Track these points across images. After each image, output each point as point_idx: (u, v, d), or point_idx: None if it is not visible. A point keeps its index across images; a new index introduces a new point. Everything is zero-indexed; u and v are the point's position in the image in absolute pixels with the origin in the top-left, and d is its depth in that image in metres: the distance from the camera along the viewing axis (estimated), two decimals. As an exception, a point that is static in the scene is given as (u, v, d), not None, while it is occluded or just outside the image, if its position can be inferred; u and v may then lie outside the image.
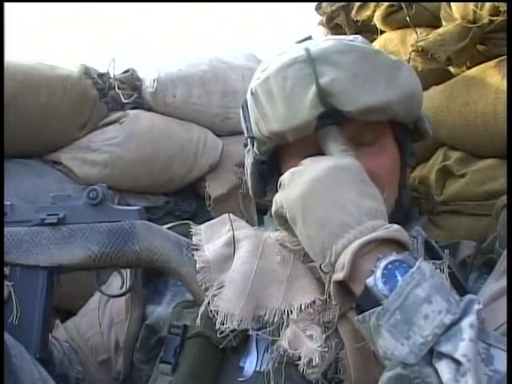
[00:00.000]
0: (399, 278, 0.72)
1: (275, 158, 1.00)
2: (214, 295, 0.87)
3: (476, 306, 0.71)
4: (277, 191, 0.94)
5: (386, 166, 0.97)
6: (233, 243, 0.92)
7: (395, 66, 0.96)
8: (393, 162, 0.99)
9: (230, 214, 0.94)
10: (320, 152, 0.94)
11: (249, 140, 1.00)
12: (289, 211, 0.84)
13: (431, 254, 0.93)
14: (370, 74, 0.93)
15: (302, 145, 0.95)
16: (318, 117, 0.91)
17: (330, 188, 0.82)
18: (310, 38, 1.03)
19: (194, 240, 0.95)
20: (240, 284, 0.87)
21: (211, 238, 0.95)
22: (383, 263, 0.74)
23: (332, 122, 0.93)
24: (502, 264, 0.87)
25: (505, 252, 0.87)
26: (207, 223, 0.97)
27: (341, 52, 0.94)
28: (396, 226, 0.79)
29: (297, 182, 0.85)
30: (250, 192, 1.08)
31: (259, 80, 0.97)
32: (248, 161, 1.04)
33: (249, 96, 0.99)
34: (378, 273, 0.74)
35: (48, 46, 2.56)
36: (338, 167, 0.84)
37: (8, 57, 1.37)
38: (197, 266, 0.90)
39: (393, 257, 0.75)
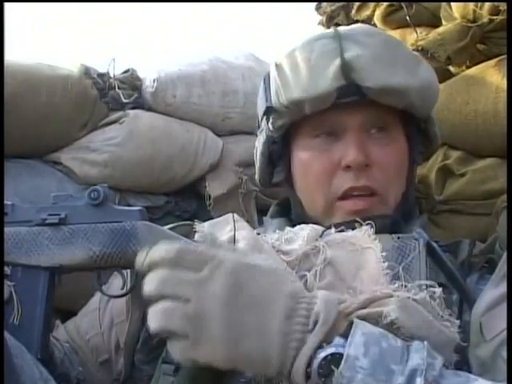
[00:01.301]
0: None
1: (287, 138, 1.03)
2: None
3: (418, 380, 0.68)
4: (284, 174, 1.03)
5: (394, 157, 1.00)
6: (233, 244, 0.90)
7: (416, 60, 1.02)
8: (401, 155, 1.01)
9: (235, 215, 0.93)
10: (331, 130, 0.98)
11: (264, 118, 1.03)
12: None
13: (433, 256, 0.93)
14: (392, 58, 0.97)
15: (314, 124, 0.99)
16: (338, 90, 0.94)
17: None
18: None
19: (196, 237, 0.94)
20: None
21: None
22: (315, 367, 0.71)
23: (349, 100, 0.96)
24: (501, 269, 0.85)
25: (504, 256, 0.86)
26: (211, 221, 0.96)
27: (367, 34, 0.99)
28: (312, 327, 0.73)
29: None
30: (257, 175, 1.11)
31: (284, 54, 1.02)
32: (259, 141, 1.07)
33: (272, 68, 1.03)
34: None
35: (48, 46, 2.56)
36: (227, 297, 0.73)
37: (8, 57, 1.36)
38: None
39: (318, 361, 0.71)
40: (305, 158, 1.03)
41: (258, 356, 0.72)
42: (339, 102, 0.97)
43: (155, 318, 0.72)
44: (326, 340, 0.72)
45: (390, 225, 0.99)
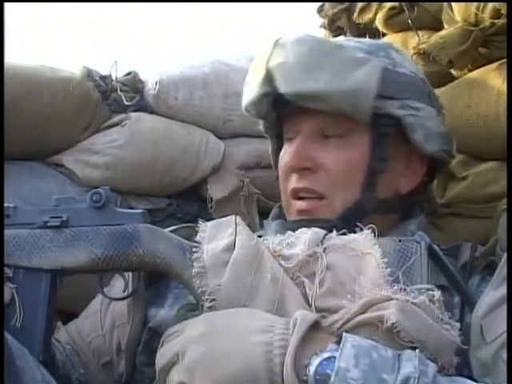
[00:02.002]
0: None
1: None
2: (209, 307, 0.85)
3: None
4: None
5: (343, 162, 1.00)
6: (232, 249, 0.88)
7: (357, 63, 0.99)
8: (354, 161, 1.01)
9: (237, 217, 0.92)
10: (293, 133, 1.04)
11: None
12: None
13: (434, 258, 0.93)
14: (318, 64, 0.99)
15: (286, 127, 1.06)
16: (268, 97, 1.02)
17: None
18: None
19: (198, 237, 0.92)
20: (232, 304, 0.83)
21: (214, 237, 0.91)
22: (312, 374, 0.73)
23: (286, 109, 1.03)
24: (501, 271, 0.86)
25: (504, 258, 0.86)
26: (214, 221, 0.95)
27: (299, 41, 1.01)
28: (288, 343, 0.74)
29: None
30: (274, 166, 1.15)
31: None
32: None
33: None
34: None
35: (48, 46, 2.56)
36: (204, 334, 0.79)
37: (8, 57, 1.36)
38: (193, 271, 0.88)
39: (314, 367, 0.72)
40: (280, 157, 1.08)
41: (245, 372, 0.74)
42: (293, 107, 1.02)
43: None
44: (314, 345, 0.74)
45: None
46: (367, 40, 1.10)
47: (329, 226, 0.92)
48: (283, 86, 1.00)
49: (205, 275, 0.87)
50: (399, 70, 1.03)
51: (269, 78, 1.01)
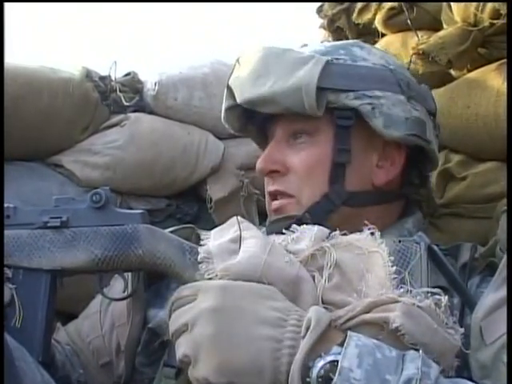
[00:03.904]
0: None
1: None
2: None
3: None
4: None
5: (308, 161, 1.02)
6: (239, 240, 0.87)
7: (302, 62, 1.01)
8: (318, 157, 1.02)
9: (239, 217, 0.91)
10: (273, 138, 1.06)
11: None
12: None
13: (434, 259, 0.93)
14: (266, 70, 1.02)
15: (268, 135, 1.09)
16: (239, 112, 1.07)
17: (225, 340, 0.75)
18: None
19: (202, 242, 0.90)
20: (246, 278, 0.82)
21: (219, 238, 0.90)
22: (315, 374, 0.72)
23: (256, 118, 1.07)
24: (501, 273, 0.85)
25: (504, 259, 0.86)
26: (217, 228, 0.94)
27: (255, 52, 1.06)
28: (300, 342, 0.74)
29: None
30: None
31: None
32: None
33: None
34: None
35: (48, 46, 2.56)
36: (216, 311, 0.77)
37: (8, 58, 1.36)
38: (199, 257, 0.86)
39: (317, 369, 0.72)
40: None
41: (250, 365, 0.73)
42: (262, 115, 1.06)
43: (177, 351, 0.78)
44: (320, 346, 0.73)
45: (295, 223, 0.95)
46: (330, 43, 1.13)
47: (297, 221, 0.93)
48: (238, 97, 1.05)
49: (211, 260, 0.85)
50: (358, 64, 1.03)
51: (230, 93, 1.07)
